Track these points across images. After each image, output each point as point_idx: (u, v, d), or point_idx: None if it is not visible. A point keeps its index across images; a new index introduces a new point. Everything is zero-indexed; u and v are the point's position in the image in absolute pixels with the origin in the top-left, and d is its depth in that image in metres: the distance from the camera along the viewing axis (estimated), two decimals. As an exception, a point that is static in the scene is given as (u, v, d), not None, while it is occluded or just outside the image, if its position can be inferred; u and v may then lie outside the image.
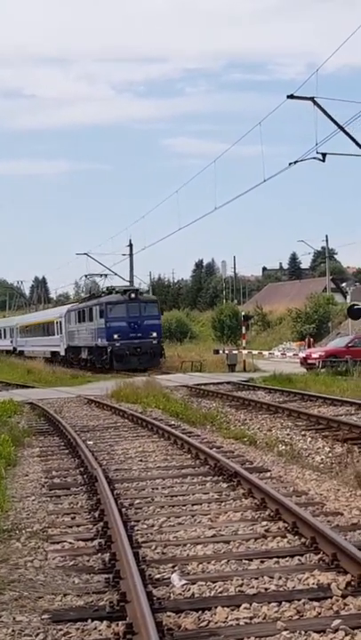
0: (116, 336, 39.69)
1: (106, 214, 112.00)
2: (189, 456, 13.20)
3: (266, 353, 45.82)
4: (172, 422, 18.47)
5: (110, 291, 43.43)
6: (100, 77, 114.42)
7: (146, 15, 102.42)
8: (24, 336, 68.31)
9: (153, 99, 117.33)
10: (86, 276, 64.75)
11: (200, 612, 5.88)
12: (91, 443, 15.17)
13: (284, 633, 5.40)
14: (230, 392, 25.22)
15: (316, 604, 5.90)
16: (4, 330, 79.05)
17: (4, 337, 77.51)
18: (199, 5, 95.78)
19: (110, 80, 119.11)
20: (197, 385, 28.47)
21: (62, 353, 51.32)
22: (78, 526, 8.74)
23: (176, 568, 6.92)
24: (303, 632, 5.41)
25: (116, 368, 39.04)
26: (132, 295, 41.06)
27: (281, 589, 6.29)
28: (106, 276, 54.46)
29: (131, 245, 53.91)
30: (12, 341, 72.96)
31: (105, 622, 5.79)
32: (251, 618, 5.74)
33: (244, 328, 46.28)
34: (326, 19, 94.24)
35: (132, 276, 54.07)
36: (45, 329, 58.35)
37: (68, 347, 49.87)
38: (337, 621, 5.49)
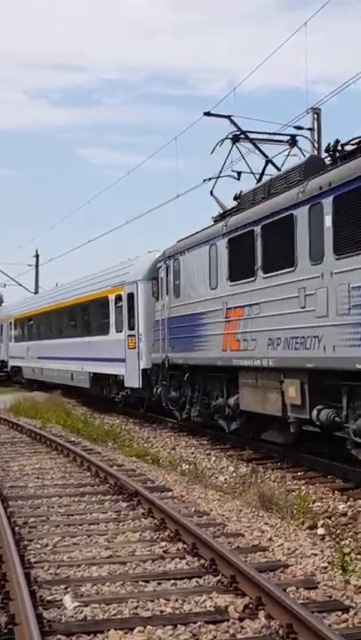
0: None
1: (12, 222, 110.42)
2: (89, 474, 13.13)
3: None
4: (73, 439, 18.36)
5: None
6: (13, 82, 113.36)
7: (63, 22, 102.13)
8: None
9: (69, 107, 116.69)
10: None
11: (92, 635, 5.83)
12: (-15, 458, 14.89)
13: (179, 656, 5.41)
14: (134, 409, 25.16)
15: (212, 627, 5.94)
16: None
17: None
18: (120, 15, 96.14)
19: (23, 85, 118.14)
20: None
21: None
22: (-33, 545, 8.56)
23: (69, 589, 6.85)
24: (198, 656, 5.43)
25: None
26: None
27: (177, 612, 6.31)
28: (5, 285, 52.54)
29: (37, 256, 53.30)
30: None
31: (-9, 646, 5.67)
32: (144, 641, 5.74)
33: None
34: (247, 37, 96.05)
35: (37, 287, 53.56)
36: None
37: None
38: (233, 644, 5.53)
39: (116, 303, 23.33)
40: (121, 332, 22.53)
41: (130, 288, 21.98)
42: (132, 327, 21.61)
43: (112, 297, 23.72)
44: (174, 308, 18.20)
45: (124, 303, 22.32)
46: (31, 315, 37.59)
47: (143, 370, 20.66)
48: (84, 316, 27.87)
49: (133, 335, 21.39)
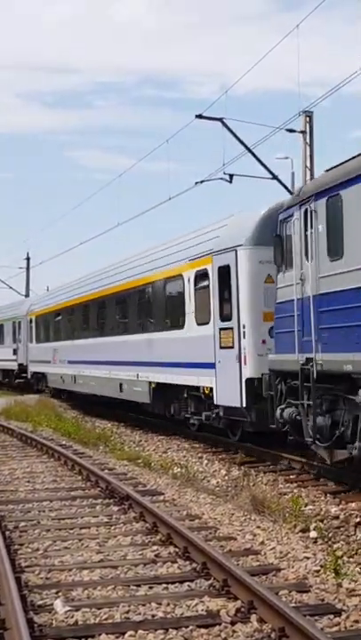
0: None
1: (3, 225, 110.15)
2: (80, 478, 13.10)
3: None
4: (64, 442, 18.33)
5: None
6: (4, 85, 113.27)
7: (55, 25, 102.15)
8: None
9: (61, 109, 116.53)
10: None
11: (83, 639, 5.83)
12: (-25, 462, 14.85)
13: (170, 661, 5.40)
14: (125, 412, 25.13)
15: (203, 630, 5.94)
16: None
17: None
18: (112, 17, 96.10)
19: (16, 88, 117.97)
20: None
21: None
22: None
23: (60, 594, 6.84)
24: (189, 660, 5.43)
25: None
26: None
27: (169, 616, 6.30)
28: None
29: (28, 258, 53.41)
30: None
31: (-19, 651, 5.65)
32: (136, 645, 5.73)
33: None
34: (239, 39, 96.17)
35: (27, 289, 53.63)
36: None
37: None
38: (225, 648, 5.52)
39: (196, 283, 16.54)
40: (207, 324, 15.91)
41: (222, 259, 15.35)
42: (226, 317, 15.22)
43: (189, 275, 16.82)
44: (329, 278, 11.14)
45: (213, 282, 15.73)
46: (59, 308, 29.79)
47: (248, 380, 14.36)
48: (142, 305, 20.34)
49: (229, 328, 14.99)
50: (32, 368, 35.18)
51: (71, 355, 27.66)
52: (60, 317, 30.03)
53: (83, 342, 26.18)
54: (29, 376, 35.87)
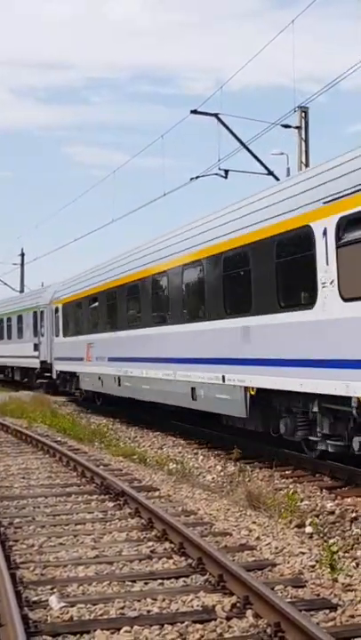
0: None
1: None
2: (75, 474, 13.10)
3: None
4: (59, 438, 18.34)
5: None
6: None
7: (48, 21, 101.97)
8: None
9: (55, 105, 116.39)
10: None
11: (78, 635, 5.83)
12: (-30, 458, 14.83)
13: (166, 656, 5.40)
14: (121, 409, 25.15)
15: (199, 626, 5.94)
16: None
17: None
18: (106, 15, 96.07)
19: (9, 84, 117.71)
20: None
21: None
22: None
23: (55, 590, 6.84)
24: (185, 655, 5.42)
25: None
26: None
27: (164, 612, 6.31)
28: None
29: (22, 255, 53.36)
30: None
31: (-24, 647, 5.64)
32: (131, 641, 5.73)
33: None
34: (235, 36, 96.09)
35: (22, 285, 53.65)
36: None
37: None
38: (220, 644, 5.52)
39: (339, 236, 10.81)
40: None
41: None
42: None
43: (325, 224, 11.05)
44: None
45: None
46: (96, 292, 23.80)
47: None
48: (233, 280, 14.32)
49: None
50: (58, 367, 29.33)
51: (113, 349, 21.92)
52: (96, 304, 23.94)
53: (132, 334, 20.15)
54: (54, 376, 30.06)
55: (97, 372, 23.65)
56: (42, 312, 32.33)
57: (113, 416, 23.68)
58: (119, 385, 21.30)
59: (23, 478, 12.88)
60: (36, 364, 33.08)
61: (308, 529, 9.15)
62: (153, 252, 18.88)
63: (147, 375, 18.79)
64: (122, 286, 20.95)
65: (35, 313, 33.81)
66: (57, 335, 29.44)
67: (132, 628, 5.91)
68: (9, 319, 39.79)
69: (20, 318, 37.33)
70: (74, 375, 27.19)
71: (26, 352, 34.80)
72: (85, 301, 25.24)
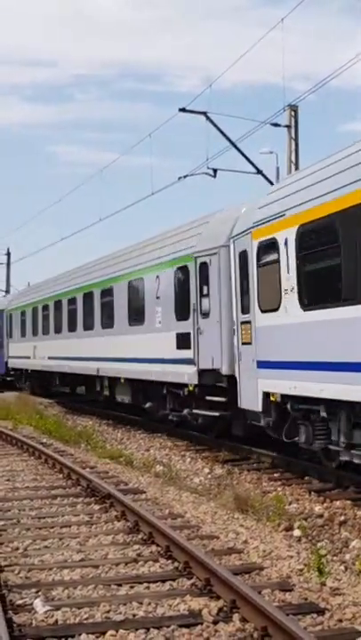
0: None
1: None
2: (61, 476, 13.09)
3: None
4: (45, 440, 18.30)
5: None
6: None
7: (33, 18, 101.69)
8: None
9: (41, 103, 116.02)
10: None
11: (63, 639, 5.83)
12: None
13: (151, 661, 5.41)
14: (106, 409, 25.13)
15: (185, 630, 5.95)
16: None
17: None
18: (92, 12, 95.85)
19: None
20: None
21: None
22: None
23: (40, 593, 6.83)
24: (171, 659, 5.43)
25: None
26: None
27: (150, 615, 6.31)
28: None
29: (8, 254, 53.26)
30: None
31: None
32: (117, 645, 5.73)
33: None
34: (223, 33, 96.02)
35: (8, 285, 53.53)
36: None
37: None
38: (207, 648, 5.53)
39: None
40: None
41: None
42: None
43: None
44: None
45: None
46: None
47: None
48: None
49: None
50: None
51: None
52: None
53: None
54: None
55: None
56: (202, 264, 16.54)
57: (99, 418, 23.66)
58: None
59: (8, 480, 12.86)
60: (181, 377, 15.73)
61: (297, 532, 9.17)
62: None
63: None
64: None
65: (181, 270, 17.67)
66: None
67: (117, 632, 5.91)
68: None
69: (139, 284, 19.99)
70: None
71: (162, 350, 18.00)
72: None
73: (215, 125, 20.61)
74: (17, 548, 8.44)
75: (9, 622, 5.86)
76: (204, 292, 15.30)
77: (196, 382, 15.47)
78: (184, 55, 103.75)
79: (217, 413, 14.98)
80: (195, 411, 15.90)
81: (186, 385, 16.03)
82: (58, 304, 27.19)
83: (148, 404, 18.96)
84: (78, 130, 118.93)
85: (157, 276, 17.78)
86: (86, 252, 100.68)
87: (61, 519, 9.89)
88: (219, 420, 15.30)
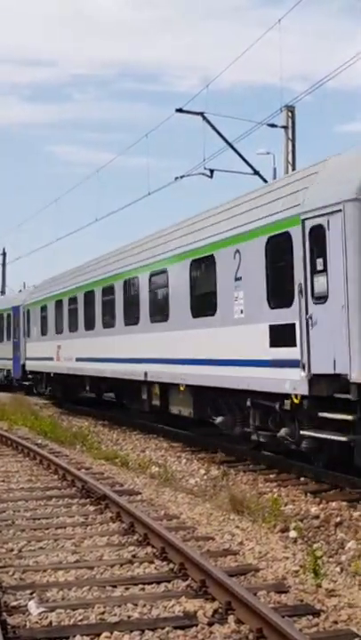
0: None
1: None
2: (56, 477, 13.07)
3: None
4: (40, 441, 18.28)
5: None
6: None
7: (33, 18, 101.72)
8: None
9: (39, 103, 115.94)
10: None
11: (57, 641, 5.82)
12: None
13: (146, 662, 5.39)
14: (103, 411, 25.11)
15: (180, 632, 5.94)
16: None
17: None
18: (91, 11, 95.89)
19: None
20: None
21: None
22: None
23: (34, 595, 6.82)
24: (166, 661, 5.42)
25: None
26: None
27: (145, 617, 6.30)
28: None
29: (4, 254, 53.28)
30: None
31: None
32: (111, 647, 5.71)
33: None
34: (221, 33, 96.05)
35: (4, 286, 53.47)
36: None
37: None
38: (202, 650, 5.52)
39: None
40: None
41: None
42: None
43: None
44: None
45: None
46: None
47: None
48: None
49: None
50: None
51: None
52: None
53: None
54: None
55: None
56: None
57: (95, 418, 23.63)
58: None
59: (3, 481, 12.83)
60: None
61: (292, 533, 9.16)
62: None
63: None
64: None
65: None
66: None
67: (112, 633, 5.90)
68: None
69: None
70: None
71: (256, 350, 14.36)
72: None
73: (212, 126, 20.64)
74: (11, 550, 8.42)
75: (3, 624, 5.85)
76: (319, 267, 11.19)
77: (306, 393, 11.34)
78: (184, 55, 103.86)
79: (344, 438, 10.67)
80: (304, 432, 11.67)
81: (285, 395, 12.02)
82: (89, 295, 22.97)
83: (219, 419, 14.87)
84: (77, 130, 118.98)
85: (237, 251, 13.60)
86: (82, 253, 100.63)
87: (56, 520, 9.87)
88: (342, 446, 11.05)
